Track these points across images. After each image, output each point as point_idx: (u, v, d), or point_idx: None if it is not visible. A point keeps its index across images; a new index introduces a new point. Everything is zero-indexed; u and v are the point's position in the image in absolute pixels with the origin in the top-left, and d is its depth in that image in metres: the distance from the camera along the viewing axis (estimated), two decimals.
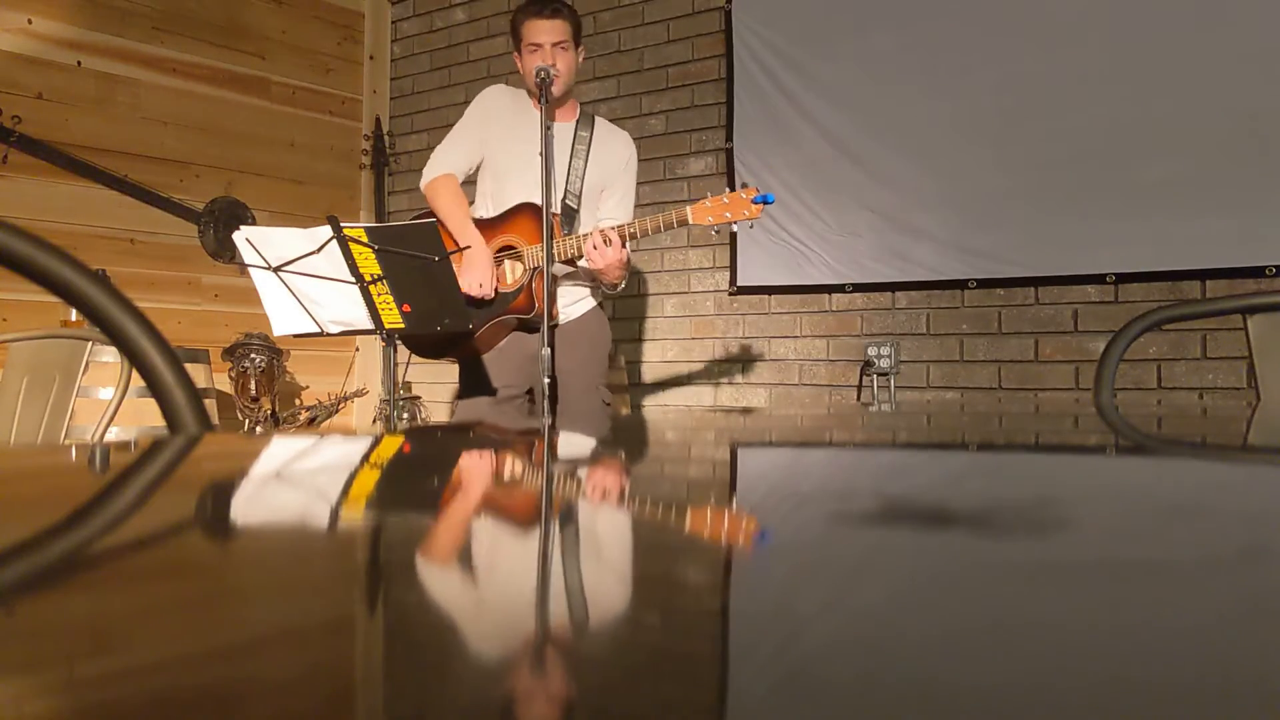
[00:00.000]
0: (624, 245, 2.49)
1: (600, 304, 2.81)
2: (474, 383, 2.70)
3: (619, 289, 2.66)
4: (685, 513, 0.42)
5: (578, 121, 2.70)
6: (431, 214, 2.65)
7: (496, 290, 2.58)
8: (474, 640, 0.21)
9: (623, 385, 3.96)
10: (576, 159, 2.66)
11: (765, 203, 2.46)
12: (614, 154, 2.71)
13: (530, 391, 2.70)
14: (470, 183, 2.77)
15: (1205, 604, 0.23)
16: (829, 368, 3.79)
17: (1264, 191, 3.01)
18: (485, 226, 2.63)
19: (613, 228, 2.49)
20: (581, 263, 2.63)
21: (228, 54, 4.66)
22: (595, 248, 2.45)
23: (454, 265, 2.57)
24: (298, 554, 0.32)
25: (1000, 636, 0.20)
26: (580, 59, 2.65)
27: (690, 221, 2.48)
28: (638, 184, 2.82)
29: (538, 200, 2.53)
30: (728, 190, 2.50)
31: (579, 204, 2.66)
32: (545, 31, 2.55)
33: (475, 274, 2.54)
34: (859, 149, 3.65)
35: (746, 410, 3.39)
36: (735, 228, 2.52)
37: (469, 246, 2.57)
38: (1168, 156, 3.12)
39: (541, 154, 2.47)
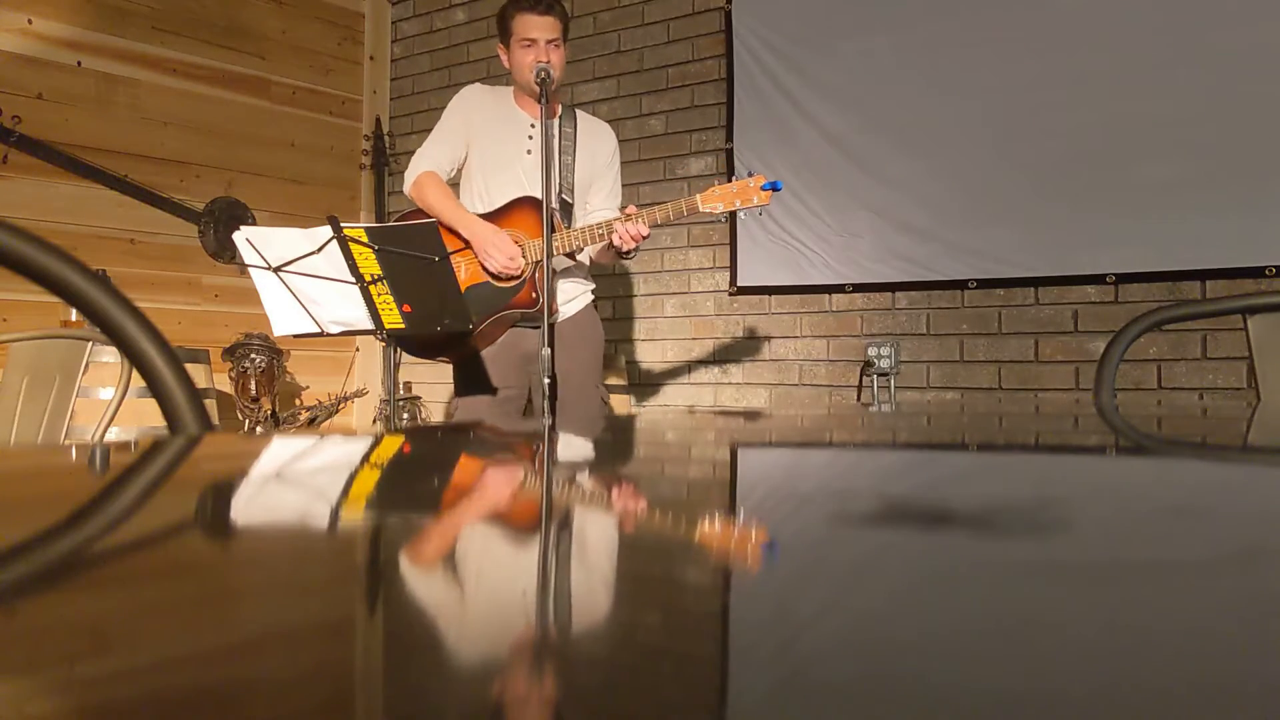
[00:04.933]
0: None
1: (594, 302, 2.81)
2: (471, 382, 2.69)
3: (633, 257, 2.63)
4: (686, 514, 0.42)
5: (561, 116, 2.70)
6: (431, 215, 2.64)
7: (496, 285, 2.57)
8: (473, 641, 0.21)
9: (623, 385, 3.96)
10: (565, 154, 2.66)
11: (774, 189, 2.47)
12: (599, 148, 2.71)
13: (531, 392, 2.69)
14: (454, 184, 2.76)
15: (1205, 604, 0.23)
16: (829, 368, 3.79)
17: (1264, 191, 3.01)
18: None
19: (635, 209, 2.49)
20: (583, 256, 2.63)
21: (228, 54, 4.66)
22: (629, 233, 2.45)
23: (470, 254, 2.57)
24: (298, 554, 0.32)
25: (1000, 637, 0.20)
26: (565, 55, 2.65)
27: (700, 208, 2.49)
28: (638, 185, 2.82)
29: (534, 194, 2.53)
30: (736, 179, 2.51)
31: (573, 198, 2.66)
32: (539, 28, 2.54)
33: (497, 251, 2.53)
34: (859, 149, 3.65)
35: (747, 411, 3.39)
36: (743, 214, 2.53)
37: (467, 246, 2.56)
38: (1168, 156, 3.12)
39: (539, 152, 2.48)
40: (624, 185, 2.85)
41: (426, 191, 2.62)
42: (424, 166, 2.65)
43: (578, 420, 1.87)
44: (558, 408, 2.47)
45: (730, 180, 2.52)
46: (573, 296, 2.72)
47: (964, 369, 3.51)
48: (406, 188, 2.70)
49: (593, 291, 2.81)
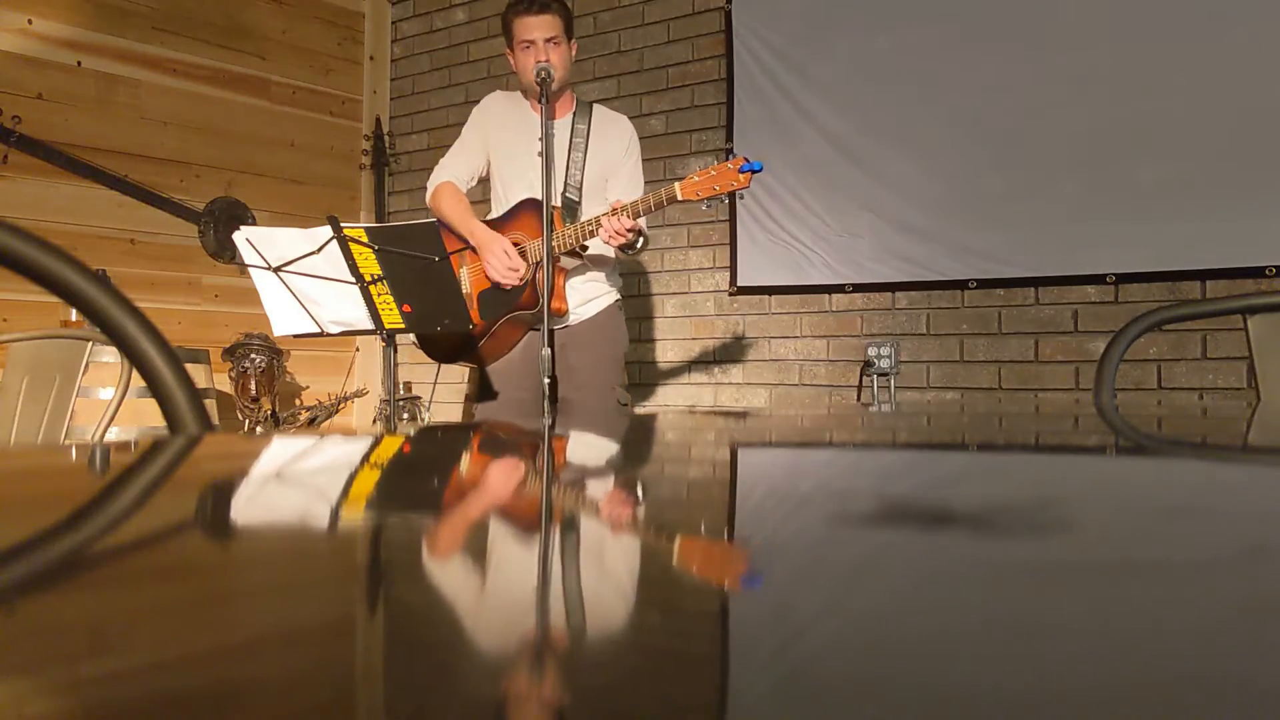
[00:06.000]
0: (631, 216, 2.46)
1: (618, 303, 2.78)
2: (488, 386, 2.70)
3: (635, 252, 2.61)
4: (686, 514, 0.42)
5: (574, 114, 2.69)
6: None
7: (502, 288, 2.58)
8: (474, 640, 0.21)
9: (623, 385, 3.95)
10: (575, 151, 2.66)
11: (753, 170, 2.41)
12: (613, 141, 2.70)
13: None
14: (483, 182, 2.77)
15: (1205, 604, 0.23)
16: (829, 368, 3.79)
17: (1264, 191, 3.01)
18: (491, 226, 2.63)
19: (620, 204, 2.47)
20: (593, 254, 2.63)
21: (228, 54, 4.66)
22: (611, 228, 2.42)
23: (477, 263, 2.57)
24: (298, 554, 0.32)
25: (1000, 637, 0.20)
26: (573, 52, 2.64)
27: (679, 197, 2.43)
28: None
29: (539, 196, 2.53)
30: (714, 163, 2.48)
31: (580, 196, 2.66)
32: (536, 27, 2.55)
33: (497, 260, 2.52)
34: (859, 149, 3.65)
35: (747, 411, 3.39)
36: (726, 199, 2.48)
37: (469, 247, 2.57)
38: (1168, 156, 3.12)
39: (542, 153, 2.47)
40: None
41: (441, 202, 2.67)
42: (442, 178, 2.70)
43: (582, 421, 1.87)
44: (567, 409, 2.47)
45: (711, 165, 2.48)
46: (590, 298, 2.71)
47: (964, 369, 3.51)
48: (427, 199, 2.74)
49: (619, 292, 2.79)
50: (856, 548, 0.31)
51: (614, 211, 2.44)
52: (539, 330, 2.62)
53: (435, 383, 4.38)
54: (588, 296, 2.70)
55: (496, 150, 2.70)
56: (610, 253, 2.68)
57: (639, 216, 2.46)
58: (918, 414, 1.28)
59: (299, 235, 2.30)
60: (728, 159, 2.48)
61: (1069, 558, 0.29)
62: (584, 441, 0.87)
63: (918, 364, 3.58)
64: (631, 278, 4.25)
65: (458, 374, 2.85)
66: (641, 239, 2.56)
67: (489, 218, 2.69)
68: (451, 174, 2.69)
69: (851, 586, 0.25)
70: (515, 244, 2.59)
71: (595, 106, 2.76)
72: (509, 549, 0.34)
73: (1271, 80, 2.99)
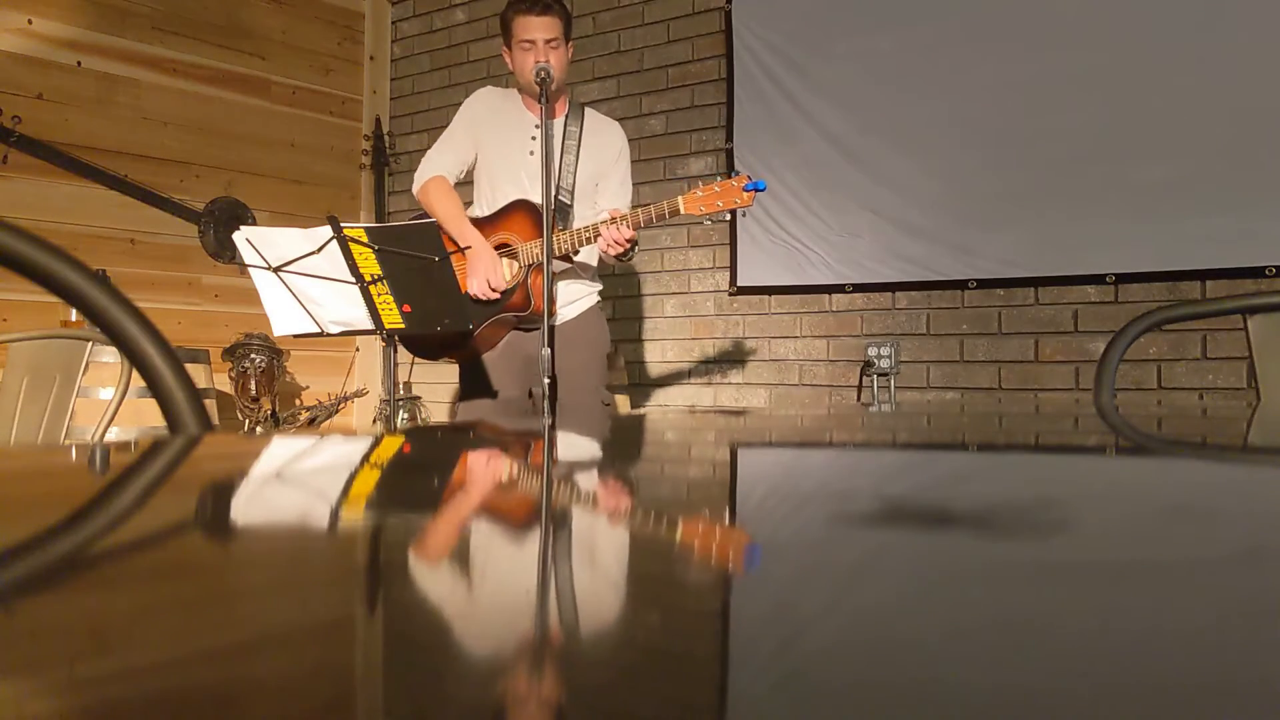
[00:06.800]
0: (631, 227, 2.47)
1: (599, 304, 2.80)
2: (475, 385, 2.70)
3: (628, 258, 2.62)
4: (686, 513, 0.42)
5: (567, 116, 2.69)
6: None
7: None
8: (473, 641, 0.21)
9: (623, 385, 3.95)
10: (568, 154, 2.65)
11: (757, 190, 2.43)
12: (606, 145, 2.70)
13: (531, 394, 2.69)
14: (467, 184, 2.76)
15: (1205, 604, 0.23)
16: (829, 368, 3.79)
17: (1264, 191, 3.01)
18: (480, 225, 2.62)
19: (619, 213, 2.47)
20: (579, 258, 2.63)
21: (228, 54, 4.66)
22: (612, 237, 2.44)
23: (458, 267, 2.57)
24: (298, 554, 0.32)
25: (1001, 637, 0.20)
26: (570, 55, 2.64)
27: (682, 211, 2.45)
28: (638, 185, 2.81)
29: (530, 197, 2.53)
30: (719, 179, 2.48)
31: (572, 199, 2.65)
32: (537, 28, 2.54)
33: (482, 274, 2.53)
34: (859, 149, 3.65)
35: (746, 411, 3.39)
36: (728, 216, 2.49)
37: (469, 247, 2.56)
38: (1168, 156, 3.12)
39: (540, 153, 2.47)
40: None
41: (431, 197, 2.65)
42: (431, 171, 2.67)
43: (575, 421, 1.87)
44: (557, 409, 2.47)
45: (715, 181, 2.48)
46: (574, 298, 2.71)
47: (964, 369, 3.51)
48: (414, 189, 2.73)
49: (599, 293, 2.80)
50: (856, 548, 0.31)
51: (612, 220, 2.45)
52: (523, 330, 2.62)
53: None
54: (571, 297, 2.70)
55: (487, 147, 2.68)
56: (595, 257, 2.68)
57: (639, 227, 2.47)
58: (918, 414, 1.28)
59: (299, 235, 2.30)
60: (731, 174, 2.48)
61: (1069, 558, 0.29)
62: (584, 442, 0.87)
63: (918, 364, 3.58)
64: (631, 278, 4.25)
65: (454, 373, 2.85)
66: (635, 247, 2.57)
67: (476, 215, 2.68)
68: (441, 167, 2.67)
69: (851, 586, 0.25)
70: (505, 244, 2.59)
71: (587, 109, 2.76)
72: (508, 549, 0.34)
73: (1271, 80, 2.99)
